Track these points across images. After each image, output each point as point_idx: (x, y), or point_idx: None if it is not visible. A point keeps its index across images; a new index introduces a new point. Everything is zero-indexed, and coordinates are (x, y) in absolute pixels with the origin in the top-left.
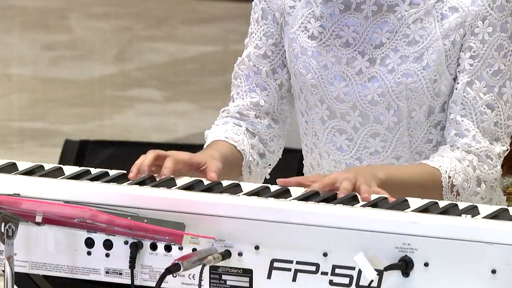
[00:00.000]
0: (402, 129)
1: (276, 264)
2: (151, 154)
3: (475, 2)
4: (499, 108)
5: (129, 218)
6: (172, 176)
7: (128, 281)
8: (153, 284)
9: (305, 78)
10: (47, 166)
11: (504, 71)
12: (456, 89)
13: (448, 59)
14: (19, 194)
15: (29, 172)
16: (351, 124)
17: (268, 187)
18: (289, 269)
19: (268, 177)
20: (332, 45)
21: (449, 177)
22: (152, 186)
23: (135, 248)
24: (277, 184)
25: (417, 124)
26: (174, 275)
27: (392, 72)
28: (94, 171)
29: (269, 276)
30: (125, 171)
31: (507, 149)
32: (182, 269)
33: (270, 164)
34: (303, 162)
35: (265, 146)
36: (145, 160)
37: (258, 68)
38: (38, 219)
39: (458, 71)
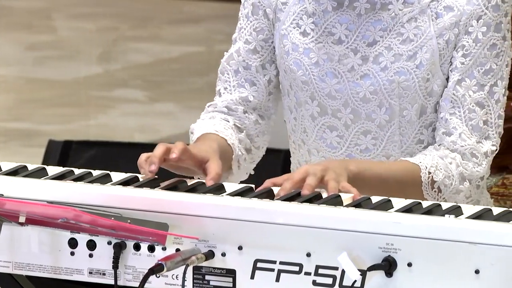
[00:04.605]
0: (394, 128)
1: (259, 265)
2: (160, 148)
3: (470, 2)
4: (489, 106)
5: (112, 218)
6: (156, 176)
7: (112, 282)
8: (137, 284)
9: (295, 74)
10: (31, 167)
11: (496, 71)
12: (447, 87)
13: (442, 58)
14: (3, 195)
15: (13, 173)
16: (342, 121)
17: (252, 188)
18: (273, 270)
19: (252, 172)
20: (324, 42)
21: (429, 173)
22: (136, 187)
23: (119, 249)
24: (256, 182)
25: (408, 123)
26: (158, 276)
27: (385, 70)
28: (77, 171)
29: (252, 276)
30: (108, 172)
31: (496, 149)
32: (165, 269)
33: (254, 160)
34: (291, 159)
35: (251, 142)
36: (155, 152)
37: (248, 63)
38: (22, 219)
39: (450, 70)
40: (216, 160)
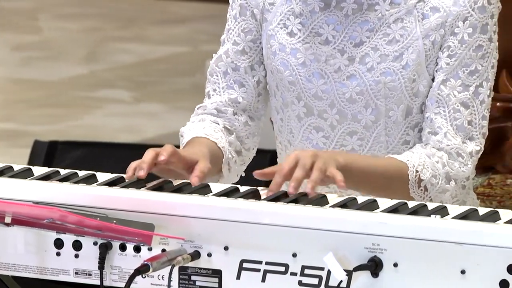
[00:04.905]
0: (380, 128)
1: (245, 265)
2: (150, 153)
3: (456, 3)
4: (474, 107)
5: (98, 219)
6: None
7: (97, 282)
8: (122, 285)
9: (282, 75)
10: (17, 167)
11: (481, 72)
12: (432, 87)
13: (428, 59)
14: None
15: None
16: (328, 122)
17: (238, 188)
18: (258, 270)
19: (243, 174)
20: (312, 42)
21: (417, 171)
22: (122, 187)
23: (104, 249)
24: (248, 184)
25: (394, 124)
26: (143, 276)
27: (371, 70)
28: (63, 171)
29: (238, 277)
30: (94, 172)
31: (481, 149)
32: (151, 269)
33: (245, 162)
34: (277, 160)
35: (241, 144)
36: (144, 157)
37: (236, 65)
38: (7, 220)
39: (435, 70)
40: (204, 161)
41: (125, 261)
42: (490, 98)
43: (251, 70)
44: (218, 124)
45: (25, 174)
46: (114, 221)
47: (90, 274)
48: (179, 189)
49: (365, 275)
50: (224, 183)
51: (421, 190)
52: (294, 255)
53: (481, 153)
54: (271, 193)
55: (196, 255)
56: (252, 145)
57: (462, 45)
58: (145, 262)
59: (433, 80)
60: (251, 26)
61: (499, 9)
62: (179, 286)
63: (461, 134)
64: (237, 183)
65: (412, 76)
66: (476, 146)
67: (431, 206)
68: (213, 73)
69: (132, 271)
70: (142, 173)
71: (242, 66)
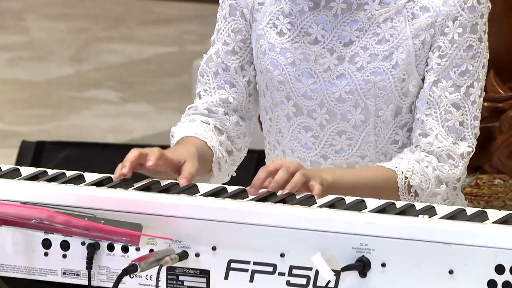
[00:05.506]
0: (369, 128)
1: (233, 265)
2: (134, 152)
3: (446, 3)
4: (465, 108)
5: (86, 219)
6: (129, 177)
7: (85, 282)
8: (110, 285)
9: (272, 74)
10: (4, 167)
11: (472, 72)
12: (423, 88)
13: (418, 59)
14: None
15: None
16: (318, 121)
17: (225, 188)
18: (246, 270)
19: (234, 174)
20: (301, 42)
21: (406, 178)
22: (109, 187)
23: (92, 249)
24: (239, 185)
25: (383, 123)
26: (131, 276)
27: (361, 70)
28: (51, 172)
29: (226, 277)
30: (81, 172)
31: (472, 150)
32: (139, 270)
33: (236, 162)
34: (265, 160)
35: (232, 144)
36: (128, 156)
37: (227, 65)
38: None
39: (426, 71)
40: (191, 161)
41: (113, 261)
42: (482, 98)
43: (242, 70)
44: (209, 124)
45: (13, 174)
46: (102, 221)
47: (78, 274)
48: (167, 189)
49: (353, 275)
50: (215, 183)
51: (412, 196)
52: (282, 255)
53: (472, 153)
54: (253, 189)
55: (184, 255)
56: (243, 145)
57: (453, 45)
58: (133, 262)
59: (423, 80)
60: (240, 26)
61: (488, 8)
62: (167, 286)
63: (452, 135)
64: (228, 183)
65: (401, 75)
66: (468, 147)
67: (419, 206)
68: (204, 73)
69: (120, 271)
70: (125, 171)
71: (233, 66)
